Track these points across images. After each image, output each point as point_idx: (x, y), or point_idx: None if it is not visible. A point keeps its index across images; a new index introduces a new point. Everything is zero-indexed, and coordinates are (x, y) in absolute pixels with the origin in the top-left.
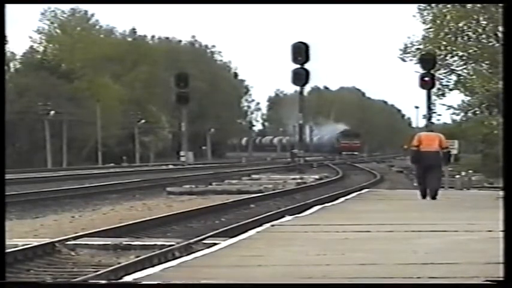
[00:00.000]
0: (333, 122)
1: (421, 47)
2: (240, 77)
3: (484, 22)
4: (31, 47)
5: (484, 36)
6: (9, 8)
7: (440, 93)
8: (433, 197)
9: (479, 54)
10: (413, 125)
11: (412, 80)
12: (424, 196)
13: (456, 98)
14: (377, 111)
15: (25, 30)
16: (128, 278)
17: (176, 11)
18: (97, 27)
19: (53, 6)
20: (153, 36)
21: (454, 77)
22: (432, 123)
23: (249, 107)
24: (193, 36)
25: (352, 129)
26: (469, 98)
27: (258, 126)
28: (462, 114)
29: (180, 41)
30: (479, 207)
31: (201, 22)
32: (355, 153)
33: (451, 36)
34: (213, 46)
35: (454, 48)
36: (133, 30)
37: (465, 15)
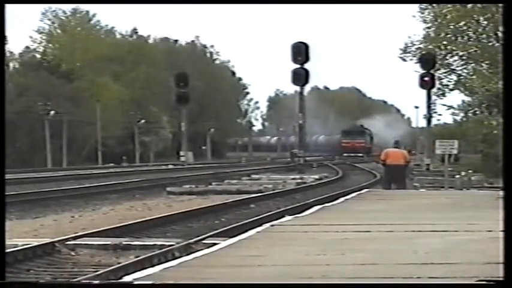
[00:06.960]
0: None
1: (421, 46)
2: (239, 77)
3: (484, 22)
4: (31, 46)
5: (484, 36)
6: (9, 8)
7: (440, 93)
8: None
9: (479, 54)
10: (413, 125)
11: (412, 79)
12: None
13: (456, 98)
14: (377, 111)
15: (25, 30)
16: (127, 278)
17: (176, 11)
18: (97, 27)
19: (53, 6)
20: (154, 38)
21: (454, 77)
22: (398, 141)
23: (248, 105)
24: (192, 36)
25: (357, 126)
26: (469, 98)
27: (257, 126)
28: (462, 114)
29: (177, 40)
30: (479, 207)
31: (201, 22)
32: (359, 154)
33: (451, 36)
34: (212, 46)
35: (454, 48)
36: (135, 31)
37: (465, 15)
